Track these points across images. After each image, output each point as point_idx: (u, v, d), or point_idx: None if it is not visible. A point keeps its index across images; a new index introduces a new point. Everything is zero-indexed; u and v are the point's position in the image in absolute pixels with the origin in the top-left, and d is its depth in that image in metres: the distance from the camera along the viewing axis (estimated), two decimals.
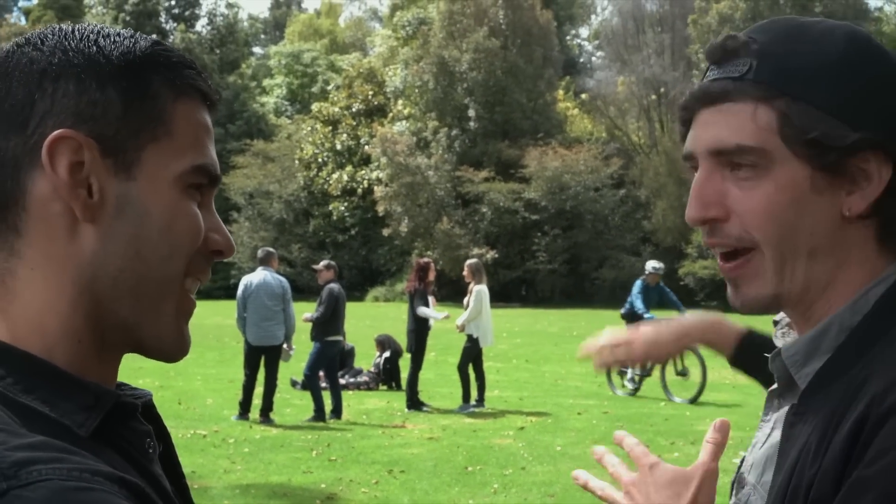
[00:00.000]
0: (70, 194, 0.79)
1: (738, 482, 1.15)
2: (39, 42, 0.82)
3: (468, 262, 11.97)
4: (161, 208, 0.82)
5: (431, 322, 11.55)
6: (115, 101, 0.80)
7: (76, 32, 0.83)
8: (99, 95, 0.80)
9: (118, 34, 0.84)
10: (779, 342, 1.14)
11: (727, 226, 1.03)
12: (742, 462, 1.17)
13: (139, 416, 0.84)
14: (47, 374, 0.78)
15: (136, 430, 0.83)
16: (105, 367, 0.84)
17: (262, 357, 10.40)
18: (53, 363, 0.79)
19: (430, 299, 11.61)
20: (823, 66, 0.99)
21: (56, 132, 0.78)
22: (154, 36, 0.87)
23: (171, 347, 0.86)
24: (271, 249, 11.18)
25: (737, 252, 1.03)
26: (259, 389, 10.46)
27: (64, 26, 0.84)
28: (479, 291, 11.24)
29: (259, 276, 10.45)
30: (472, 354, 11.36)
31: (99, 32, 0.83)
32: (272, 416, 10.40)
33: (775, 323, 1.17)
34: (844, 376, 0.97)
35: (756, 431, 1.16)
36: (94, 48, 0.81)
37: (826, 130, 0.97)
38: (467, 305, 11.38)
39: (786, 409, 1.06)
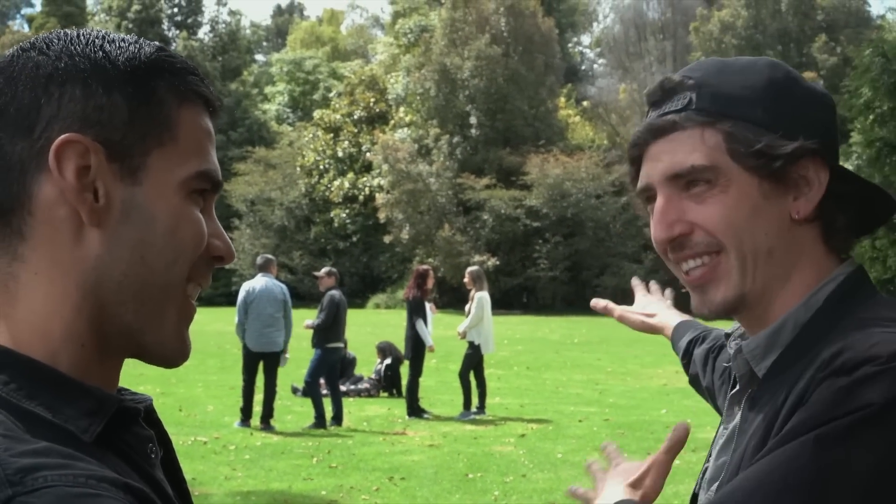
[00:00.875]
0: (77, 198, 0.79)
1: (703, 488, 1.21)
2: (45, 46, 0.82)
3: (469, 269, 11.98)
4: (166, 213, 0.82)
5: (431, 329, 11.54)
6: (122, 105, 0.81)
7: (81, 37, 0.83)
8: (105, 100, 0.80)
9: (123, 40, 0.84)
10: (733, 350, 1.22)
11: (692, 237, 1.13)
12: (703, 473, 1.24)
13: (141, 420, 0.85)
14: (50, 380, 0.77)
15: (138, 436, 0.83)
16: (107, 371, 0.84)
17: (259, 363, 10.42)
18: (56, 368, 0.78)
19: (429, 306, 11.60)
20: (755, 90, 1.12)
21: (63, 136, 0.78)
22: (157, 42, 0.87)
23: (173, 352, 0.86)
24: (270, 256, 11.21)
25: (703, 264, 1.13)
26: (259, 396, 10.46)
27: (69, 31, 0.84)
28: (480, 298, 11.25)
29: (261, 282, 10.47)
30: (473, 361, 11.35)
31: (104, 38, 0.83)
32: (273, 422, 10.40)
33: (726, 336, 1.27)
34: (796, 364, 1.06)
35: (717, 435, 1.23)
36: (100, 53, 0.82)
37: (768, 143, 1.09)
38: (469, 312, 11.38)
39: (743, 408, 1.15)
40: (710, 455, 1.24)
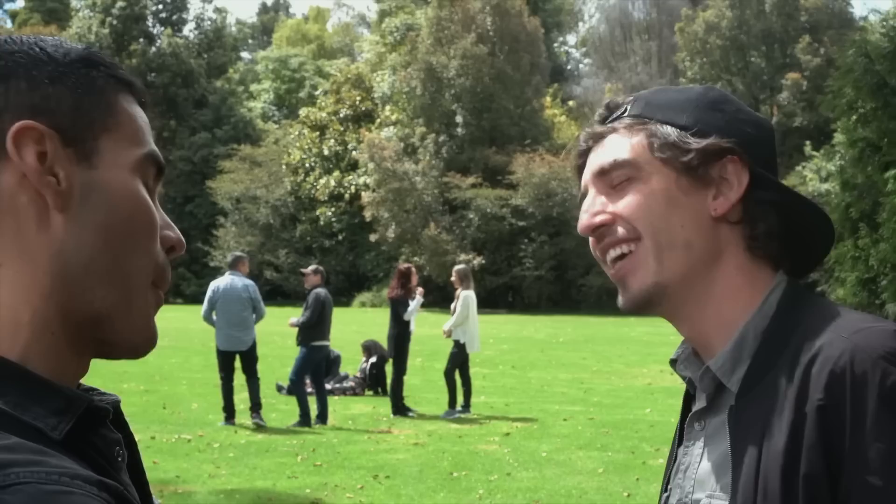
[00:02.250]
0: (41, 181, 0.79)
1: None
2: None
3: (456, 267, 11.99)
4: (123, 196, 0.83)
5: (413, 327, 11.54)
6: (66, 94, 0.82)
7: (14, 38, 0.85)
8: (51, 90, 0.82)
9: (54, 40, 0.87)
10: (685, 372, 1.26)
11: (613, 227, 1.19)
12: (666, 497, 1.24)
13: (109, 423, 0.83)
14: (17, 377, 0.76)
15: (105, 438, 0.82)
16: (77, 364, 0.83)
17: (234, 361, 10.42)
18: (26, 363, 0.78)
19: (412, 302, 11.60)
20: (685, 101, 1.21)
21: (19, 123, 0.79)
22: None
23: (140, 340, 0.86)
24: (240, 254, 11.18)
25: (623, 254, 1.19)
26: (244, 395, 10.43)
27: (2, 36, 0.86)
28: (465, 297, 11.26)
29: (226, 280, 10.46)
30: (458, 360, 11.36)
31: (37, 39, 0.85)
32: (262, 413, 10.40)
33: (673, 362, 1.29)
34: (772, 372, 1.10)
35: (679, 459, 1.23)
36: (37, 49, 0.84)
37: (681, 136, 1.17)
38: (454, 311, 11.39)
39: (715, 424, 1.17)
40: (669, 479, 1.25)
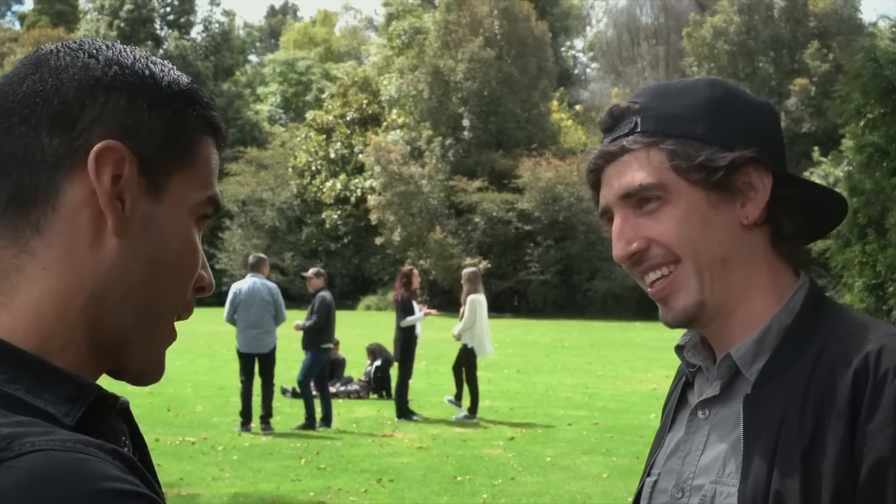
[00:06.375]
0: (108, 204, 0.80)
1: (680, 489, 1.21)
2: (95, 51, 0.84)
3: (465, 270, 11.99)
4: (177, 236, 0.85)
5: (419, 330, 11.54)
6: (159, 124, 0.84)
7: (129, 52, 0.87)
8: (146, 116, 0.83)
9: (164, 64, 0.88)
10: (694, 360, 1.28)
11: (650, 252, 1.20)
12: (653, 482, 1.25)
13: (115, 414, 0.85)
14: (30, 366, 0.77)
15: (112, 427, 0.83)
16: (91, 375, 0.84)
17: (255, 365, 10.37)
18: (38, 356, 0.78)
19: (417, 306, 11.60)
20: (695, 108, 1.19)
21: (106, 141, 0.80)
22: (189, 77, 0.91)
23: (151, 372, 0.88)
24: (262, 255, 11.14)
25: (662, 276, 1.20)
26: (257, 399, 10.42)
27: (115, 42, 0.88)
28: (473, 301, 11.24)
29: (248, 283, 10.43)
30: (465, 362, 11.37)
31: (148, 58, 0.87)
32: (272, 423, 10.36)
33: (679, 349, 1.30)
34: (794, 365, 1.13)
35: (673, 445, 1.25)
36: (147, 71, 0.85)
37: (707, 155, 1.16)
38: (462, 315, 11.39)
39: (724, 413, 1.18)
40: (653, 462, 1.27)
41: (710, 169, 1.16)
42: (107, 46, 0.86)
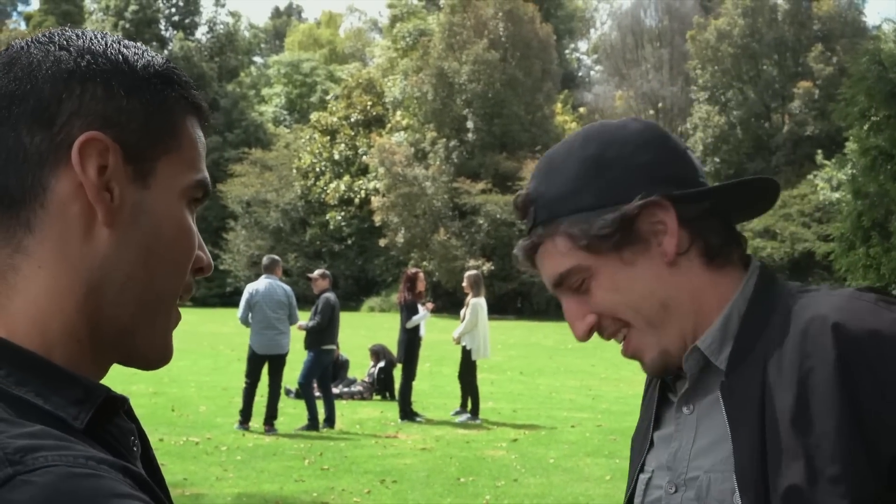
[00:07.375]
0: (96, 196, 0.79)
1: (674, 485, 1.22)
2: (65, 42, 0.82)
3: (467, 273, 11.97)
4: (169, 221, 0.84)
5: (423, 332, 11.55)
6: (139, 109, 0.82)
7: (99, 38, 0.84)
8: (125, 103, 0.81)
9: (136, 46, 0.86)
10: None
11: (602, 323, 1.24)
12: (647, 479, 1.27)
13: (123, 414, 0.85)
14: (38, 368, 0.77)
15: (121, 428, 0.83)
16: (97, 371, 0.84)
17: (264, 366, 10.38)
18: (45, 357, 0.78)
19: (422, 309, 11.61)
20: (577, 179, 1.20)
21: (87, 133, 0.79)
22: (162, 55, 0.90)
23: (156, 357, 0.87)
24: (276, 257, 11.10)
25: (624, 336, 1.24)
26: (261, 399, 10.42)
27: (85, 31, 0.86)
28: (475, 304, 11.25)
29: (263, 283, 10.44)
30: (464, 366, 11.37)
31: (120, 42, 0.85)
32: (275, 424, 10.37)
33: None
34: (758, 346, 1.15)
35: (661, 443, 1.27)
36: (120, 56, 0.83)
37: (600, 224, 1.18)
38: (463, 318, 11.39)
39: (704, 404, 1.21)
40: (645, 460, 1.29)
41: (606, 236, 1.18)
42: (77, 36, 0.84)
